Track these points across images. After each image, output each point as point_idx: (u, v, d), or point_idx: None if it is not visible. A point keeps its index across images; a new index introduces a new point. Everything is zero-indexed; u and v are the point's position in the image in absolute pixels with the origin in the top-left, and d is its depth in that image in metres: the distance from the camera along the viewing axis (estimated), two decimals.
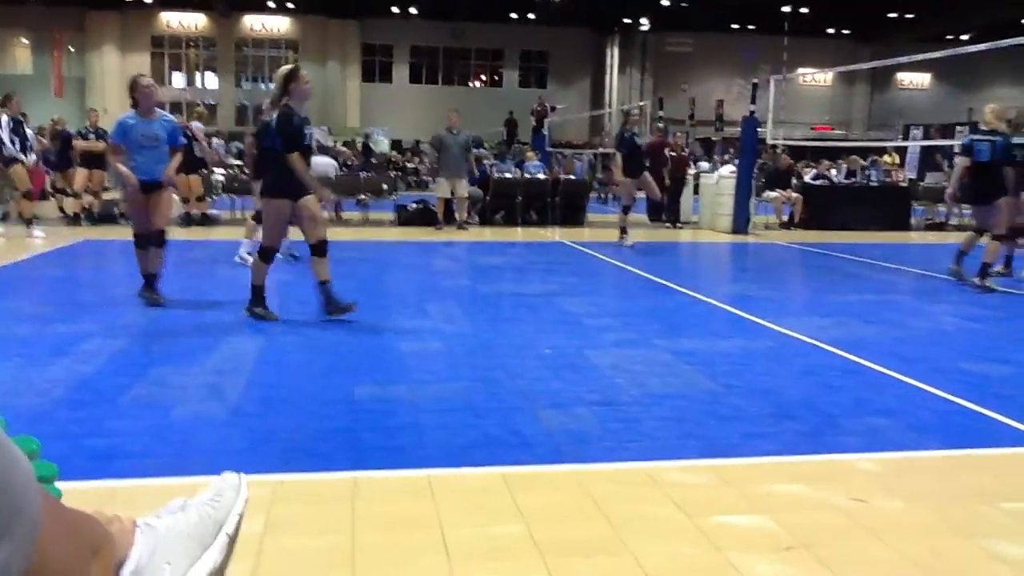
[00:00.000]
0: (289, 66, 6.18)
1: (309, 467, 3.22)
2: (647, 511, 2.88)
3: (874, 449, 3.57)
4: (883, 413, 4.10)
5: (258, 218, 8.84)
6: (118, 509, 0.98)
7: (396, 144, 35.50)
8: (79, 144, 12.77)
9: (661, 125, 16.79)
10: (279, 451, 3.39)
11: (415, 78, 40.49)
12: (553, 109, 24.14)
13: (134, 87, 6.62)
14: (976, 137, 8.52)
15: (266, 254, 6.10)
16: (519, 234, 13.23)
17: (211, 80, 39.18)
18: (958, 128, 28.07)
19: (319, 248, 6.03)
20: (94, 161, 12.43)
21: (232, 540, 1.02)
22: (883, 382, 4.69)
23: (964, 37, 33.82)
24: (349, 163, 16.58)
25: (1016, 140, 8.49)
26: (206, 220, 12.92)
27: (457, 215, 13.35)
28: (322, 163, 14.78)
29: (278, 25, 38.69)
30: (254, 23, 38.54)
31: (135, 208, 6.75)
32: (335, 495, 2.95)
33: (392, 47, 39.74)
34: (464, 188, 13.16)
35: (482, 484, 3.09)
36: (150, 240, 6.61)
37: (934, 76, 41.03)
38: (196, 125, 13.61)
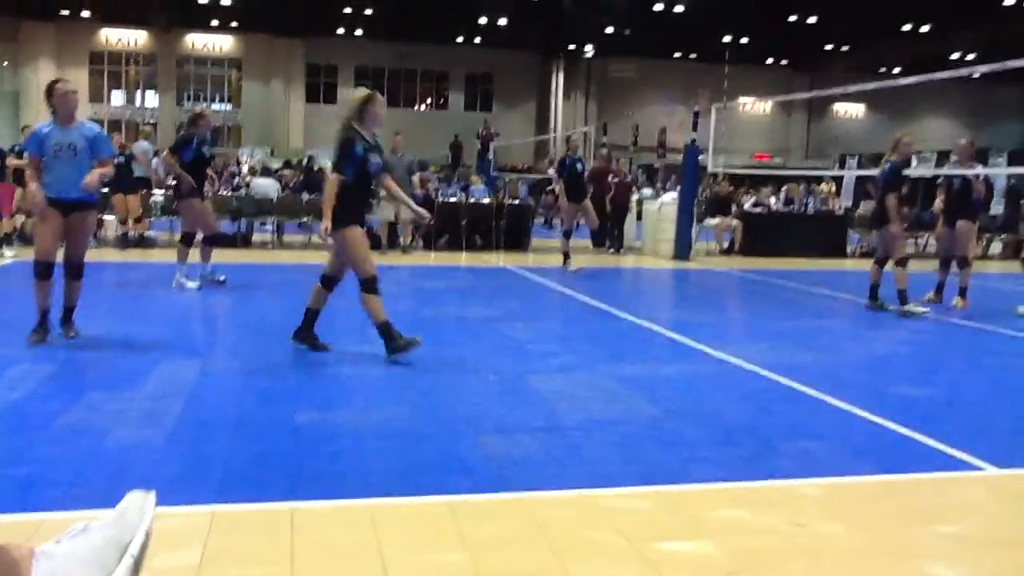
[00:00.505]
0: (366, 90, 6.00)
1: (248, 496, 3.16)
2: (590, 538, 2.88)
3: (811, 473, 3.62)
4: (818, 437, 4.18)
5: (186, 240, 8.69)
6: (45, 541, 0.95)
7: None
8: (12, 162, 12.44)
9: (604, 151, 16.97)
10: (217, 479, 3.32)
11: None
12: (497, 135, 24.28)
13: (50, 92, 5.73)
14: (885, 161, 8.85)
15: (373, 284, 5.78)
16: (463, 259, 13.22)
17: (151, 98, 38.58)
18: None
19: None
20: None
21: (137, 563, 0.97)
22: (818, 406, 4.78)
23: (896, 70, 34.95)
24: (291, 184, 16.42)
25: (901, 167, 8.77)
26: (144, 242, 12.67)
27: (401, 239, 13.29)
28: (263, 185, 14.66)
29: (221, 43, 38.32)
30: (196, 40, 38.11)
31: (45, 230, 5.69)
32: (274, 524, 2.90)
33: (337, 67, 39.61)
34: (408, 211, 13.09)
35: (425, 512, 3.06)
36: (52, 270, 5.71)
37: (868, 107, 42.26)
38: (144, 145, 13.40)
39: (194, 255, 8.74)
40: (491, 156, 22.03)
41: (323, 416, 4.20)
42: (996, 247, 16.95)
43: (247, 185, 15.63)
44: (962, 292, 8.99)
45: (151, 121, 34.14)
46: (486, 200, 15.05)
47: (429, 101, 41.61)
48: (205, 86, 38.62)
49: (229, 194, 14.53)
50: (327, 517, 3.00)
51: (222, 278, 8.81)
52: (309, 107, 38.95)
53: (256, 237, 14.19)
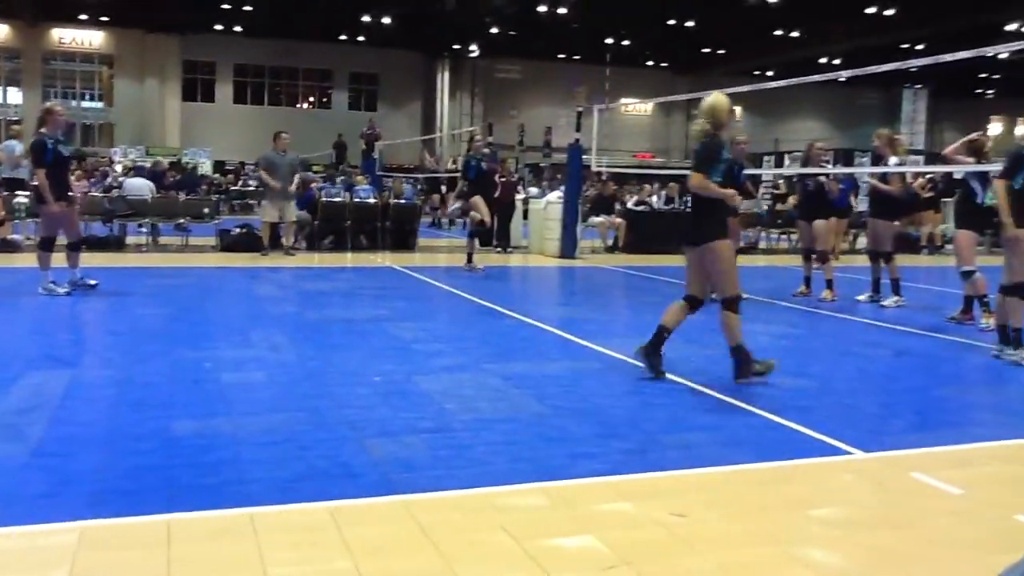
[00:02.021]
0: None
1: (119, 510, 3.01)
2: (477, 538, 2.87)
3: (693, 465, 3.72)
4: (699, 429, 4.29)
5: (44, 245, 8.21)
6: None
7: (219, 165, 34.29)
8: None
9: (487, 151, 17.02)
10: (86, 493, 3.16)
11: (240, 98, 39.35)
12: (377, 134, 24.02)
13: None
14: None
15: (735, 303, 5.38)
16: (348, 259, 13.05)
17: (15, 95, 36.58)
18: (765, 158, 30.06)
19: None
20: None
21: None
22: (699, 399, 4.92)
23: (769, 73, 36.34)
24: (167, 183, 15.82)
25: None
26: (6, 246, 11.99)
27: (284, 240, 13.01)
28: (136, 185, 14.11)
29: (90, 38, 36.68)
30: (64, 35, 36.38)
31: None
32: (148, 539, 2.77)
33: (215, 65, 38.48)
34: (292, 212, 12.85)
35: (307, 520, 2.99)
36: None
37: (744, 108, 43.74)
38: (11, 145, 12.67)
39: (62, 260, 8.33)
40: (376, 156, 21.80)
41: (201, 425, 4.06)
42: (862, 241, 17.81)
43: (119, 185, 15.02)
44: (828, 284, 9.46)
45: (15, 118, 32.31)
46: (371, 200, 14.89)
47: (312, 100, 40.88)
48: (74, 83, 36.89)
49: (100, 195, 13.92)
50: (205, 528, 2.89)
51: (93, 283, 8.42)
52: (186, 105, 37.71)
53: (130, 239, 13.63)
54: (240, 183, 27.43)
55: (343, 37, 36.96)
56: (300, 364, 5.56)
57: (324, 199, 14.48)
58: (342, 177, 18.48)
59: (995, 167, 7.02)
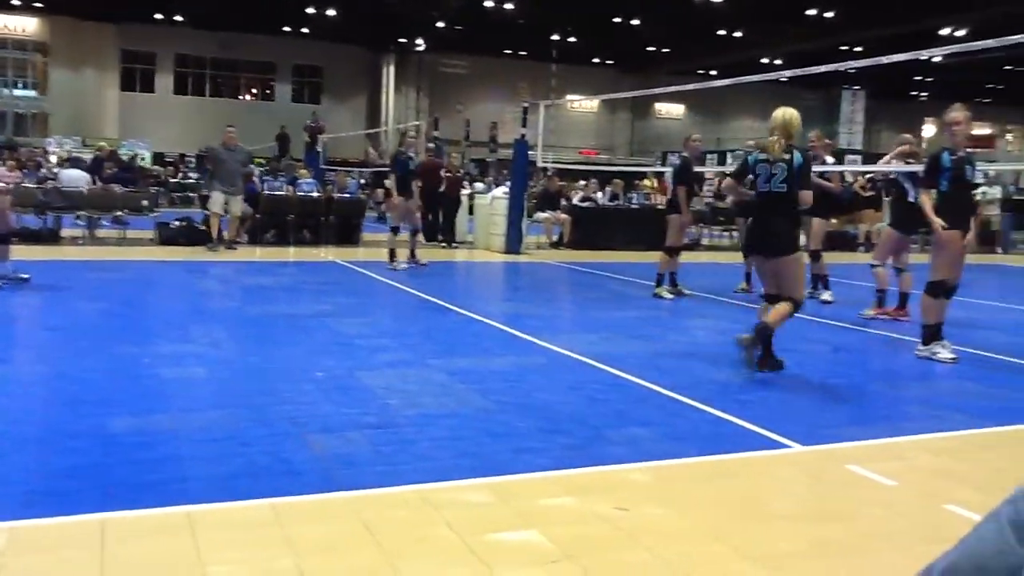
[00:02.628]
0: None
1: (51, 510, 2.93)
2: (420, 534, 2.86)
3: (637, 459, 3.75)
4: (644, 424, 4.33)
5: None
6: None
7: (159, 157, 33.59)
8: None
9: (432, 145, 16.96)
10: (17, 494, 3.07)
11: (180, 89, 38.56)
12: (318, 126, 23.76)
13: None
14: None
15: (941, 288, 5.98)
16: (291, 254, 12.89)
17: None
18: (708, 156, 30.44)
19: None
20: None
21: None
22: (644, 394, 4.96)
23: (713, 72, 36.78)
24: (103, 175, 15.43)
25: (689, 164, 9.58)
26: None
27: (226, 233, 12.79)
28: (72, 177, 13.76)
29: (23, 25, 35.56)
30: None
31: None
32: (81, 539, 2.70)
33: (155, 55, 37.64)
34: (238, 206, 12.63)
35: (248, 517, 2.94)
36: None
37: (687, 107, 44.26)
38: None
39: None
40: (320, 149, 21.57)
41: (140, 422, 3.97)
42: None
43: (54, 177, 14.63)
44: None
45: None
46: (315, 194, 14.73)
47: (255, 92, 40.25)
48: (6, 70, 35.74)
49: (34, 187, 13.54)
50: (141, 527, 2.83)
51: (25, 276, 8.19)
52: (124, 96, 36.83)
53: (66, 232, 13.29)
54: (180, 175, 26.91)
55: (287, 29, 36.42)
56: (241, 360, 5.48)
57: (266, 192, 14.28)
58: (282, 172, 18.23)
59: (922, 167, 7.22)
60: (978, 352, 6.62)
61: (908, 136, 8.94)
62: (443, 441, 3.87)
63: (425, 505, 3.11)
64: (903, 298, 8.21)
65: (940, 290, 6.26)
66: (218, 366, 5.24)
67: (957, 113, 6.26)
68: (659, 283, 9.39)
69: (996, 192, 18.87)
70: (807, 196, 5.65)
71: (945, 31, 27.95)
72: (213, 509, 2.99)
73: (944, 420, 4.67)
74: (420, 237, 12.20)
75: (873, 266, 8.33)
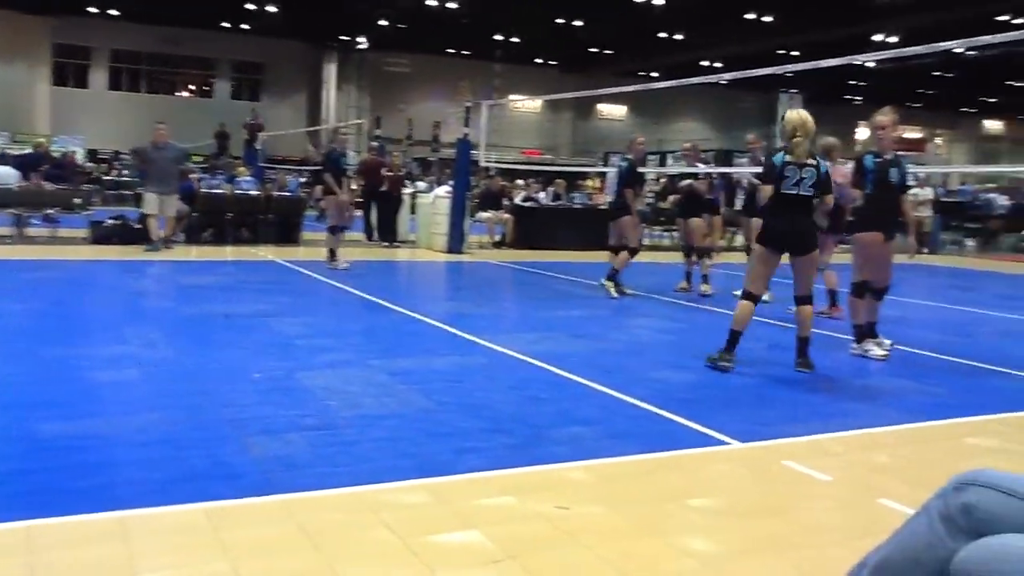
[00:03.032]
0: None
1: None
2: (360, 537, 2.83)
3: (578, 457, 3.76)
4: (585, 423, 4.34)
5: None
6: None
7: (93, 153, 32.75)
8: None
9: (375, 144, 16.85)
10: None
11: (116, 84, 37.65)
12: (257, 124, 23.43)
13: None
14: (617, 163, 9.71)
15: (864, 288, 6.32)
16: (229, 253, 12.67)
17: None
18: (649, 157, 30.78)
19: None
20: None
21: None
22: (585, 393, 4.98)
23: (655, 74, 37.17)
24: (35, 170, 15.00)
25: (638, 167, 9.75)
26: None
27: (163, 232, 12.51)
28: (1, 174, 13.34)
29: None
30: None
31: None
32: (7, 546, 2.61)
33: (90, 50, 36.68)
34: (173, 206, 12.36)
35: (182, 522, 2.88)
36: None
37: (629, 109, 44.65)
38: None
39: None
40: (259, 147, 21.26)
41: (71, 426, 3.86)
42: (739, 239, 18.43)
43: None
44: (704, 279, 9.83)
45: None
46: (254, 192, 14.51)
47: (193, 88, 39.50)
48: None
49: None
50: (71, 534, 2.74)
51: None
52: (57, 91, 35.82)
53: None
54: (115, 173, 26.31)
55: (226, 25, 35.80)
56: (177, 361, 5.36)
57: (204, 190, 14.02)
58: (221, 169, 17.93)
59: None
60: (909, 349, 6.80)
61: (833, 140, 9.24)
62: (384, 442, 3.84)
63: (365, 507, 3.08)
64: (832, 296, 8.51)
65: (863, 290, 6.43)
66: (153, 367, 5.13)
67: (883, 117, 6.43)
68: (611, 277, 9.53)
69: (928, 193, 19.41)
70: (831, 200, 5.93)
71: (878, 37, 28.65)
72: (147, 514, 2.91)
73: (877, 416, 4.78)
74: (363, 238, 12.10)
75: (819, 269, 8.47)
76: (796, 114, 5.92)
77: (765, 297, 9.34)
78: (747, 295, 5.93)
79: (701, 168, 10.49)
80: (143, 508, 2.95)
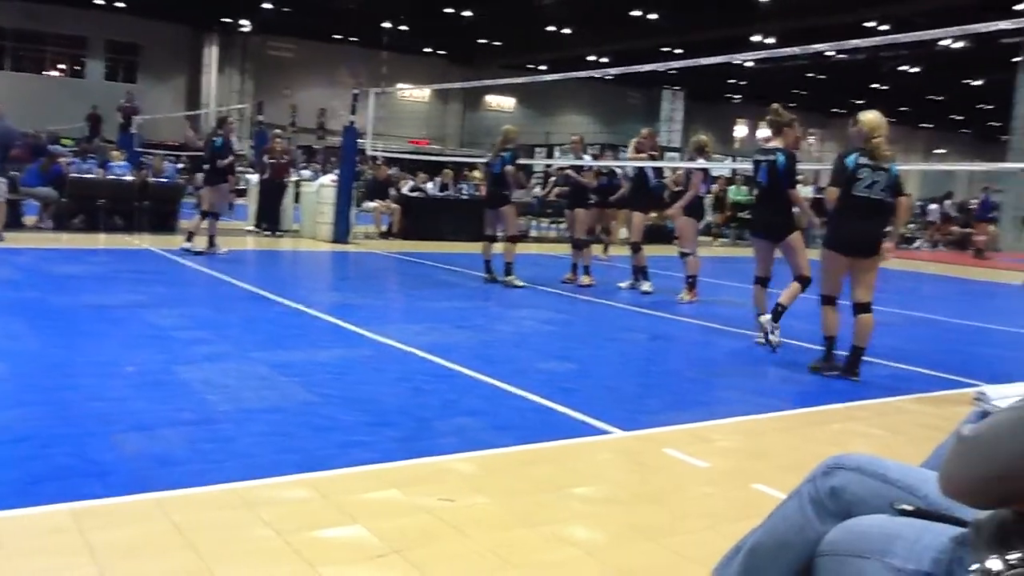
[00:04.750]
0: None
1: None
2: (238, 535, 2.75)
3: (463, 449, 3.76)
4: (470, 413, 4.35)
5: None
6: None
7: None
8: None
9: (258, 130, 16.41)
10: None
11: None
12: (132, 106, 22.49)
13: None
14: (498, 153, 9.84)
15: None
16: (101, 240, 12.12)
17: None
18: (537, 149, 31.06)
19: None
20: None
21: None
22: (470, 384, 4.99)
23: (543, 67, 37.45)
24: None
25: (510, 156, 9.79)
26: None
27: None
28: None
29: None
30: None
31: None
32: None
33: None
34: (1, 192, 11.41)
35: (46, 524, 2.73)
36: None
37: (518, 101, 44.88)
38: None
39: None
40: (135, 131, 20.40)
41: None
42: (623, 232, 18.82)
43: None
44: (586, 271, 10.05)
45: None
46: (128, 177, 13.91)
47: (63, 67, 37.52)
48: None
49: None
50: None
51: None
52: None
53: None
54: None
55: (100, 2, 34.14)
56: (43, 354, 5.09)
57: (74, 175, 13.35)
58: (93, 154, 17.12)
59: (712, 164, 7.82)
60: (786, 340, 7.06)
61: (702, 137, 9.77)
62: (264, 437, 3.74)
63: (244, 504, 2.99)
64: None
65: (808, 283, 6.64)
66: (17, 361, 4.85)
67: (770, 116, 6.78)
68: (508, 271, 9.58)
69: (809, 191, 20.32)
70: (906, 202, 5.89)
71: (757, 38, 29.66)
72: (8, 517, 2.75)
73: (751, 404, 4.96)
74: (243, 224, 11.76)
75: (684, 254, 9.15)
76: (873, 115, 5.66)
77: (645, 287, 9.60)
78: (825, 299, 5.85)
79: (588, 161, 10.63)
80: (4, 510, 2.79)
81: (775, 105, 6.59)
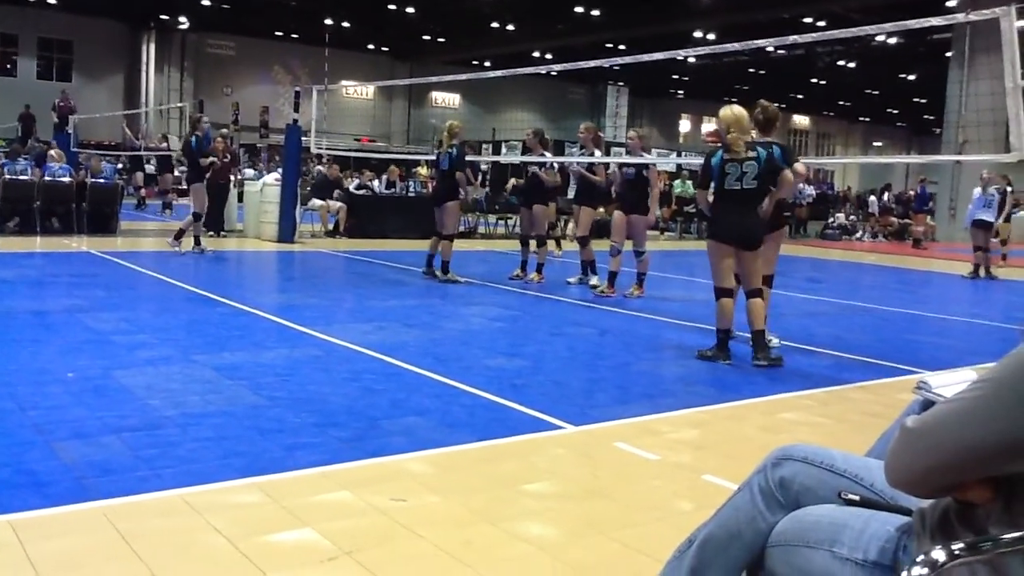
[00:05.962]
0: None
1: None
2: (186, 542, 2.69)
3: (414, 448, 3.73)
4: (420, 412, 4.32)
5: None
6: None
7: None
8: None
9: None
10: None
11: None
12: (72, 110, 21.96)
13: None
14: (439, 150, 9.97)
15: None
16: (37, 244, 11.80)
17: None
18: (484, 145, 31.03)
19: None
20: None
21: None
22: (419, 382, 4.96)
23: (487, 64, 37.42)
24: None
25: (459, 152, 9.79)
26: None
27: None
28: None
29: None
30: None
31: None
32: None
33: None
34: None
35: None
36: None
37: (463, 97, 44.79)
38: None
39: None
40: (71, 130, 19.90)
41: None
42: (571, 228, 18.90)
43: None
44: (539, 268, 10.02)
45: None
46: (65, 179, 13.56)
47: None
48: None
49: None
50: None
51: None
52: None
53: None
54: None
55: None
56: None
57: (7, 177, 12.98)
58: (27, 154, 16.65)
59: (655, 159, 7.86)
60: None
61: (640, 131, 9.97)
62: (210, 441, 3.67)
63: (191, 510, 2.93)
64: (612, 276, 9.04)
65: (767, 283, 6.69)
66: None
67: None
68: (445, 269, 9.64)
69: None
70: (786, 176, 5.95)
71: (698, 34, 29.99)
72: None
73: (699, 395, 5.01)
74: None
75: (639, 253, 9.15)
76: (728, 111, 5.87)
77: (593, 281, 9.66)
78: (720, 292, 5.91)
79: (549, 158, 10.62)
80: None
81: (762, 101, 6.40)
